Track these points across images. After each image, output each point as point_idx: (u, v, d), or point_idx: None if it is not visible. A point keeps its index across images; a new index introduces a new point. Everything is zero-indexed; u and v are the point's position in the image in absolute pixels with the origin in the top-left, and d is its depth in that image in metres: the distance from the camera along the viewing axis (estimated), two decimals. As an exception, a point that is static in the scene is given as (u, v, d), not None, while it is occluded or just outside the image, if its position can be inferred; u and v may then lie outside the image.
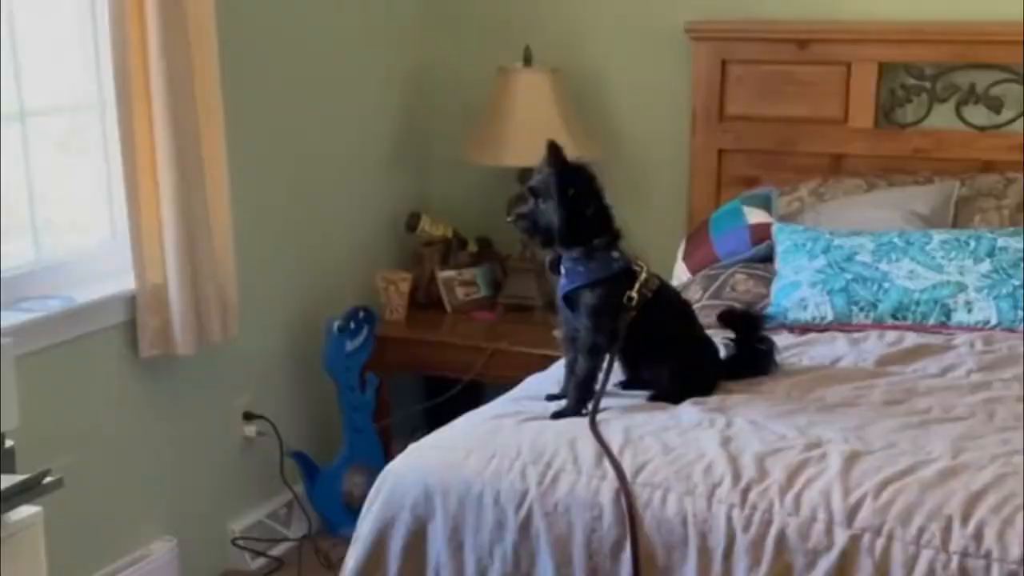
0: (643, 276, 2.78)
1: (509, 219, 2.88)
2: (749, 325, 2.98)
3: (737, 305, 3.23)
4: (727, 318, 3.01)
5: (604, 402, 2.72)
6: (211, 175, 3.32)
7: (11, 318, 2.96)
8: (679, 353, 2.84)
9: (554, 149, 2.77)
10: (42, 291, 3.16)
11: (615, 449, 2.50)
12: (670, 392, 2.79)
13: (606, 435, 2.56)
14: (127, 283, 3.24)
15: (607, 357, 2.75)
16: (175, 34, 3.14)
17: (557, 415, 2.72)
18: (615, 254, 2.78)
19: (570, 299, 2.81)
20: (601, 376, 2.75)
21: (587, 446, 2.52)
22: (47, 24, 3.19)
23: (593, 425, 2.60)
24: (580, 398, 2.74)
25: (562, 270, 2.82)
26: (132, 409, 3.37)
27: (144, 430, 3.41)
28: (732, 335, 2.97)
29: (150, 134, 3.18)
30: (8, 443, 2.32)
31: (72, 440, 3.13)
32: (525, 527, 2.46)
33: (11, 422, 2.31)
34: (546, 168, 2.77)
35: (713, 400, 2.76)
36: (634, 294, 2.75)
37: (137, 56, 3.12)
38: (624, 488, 2.40)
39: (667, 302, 2.87)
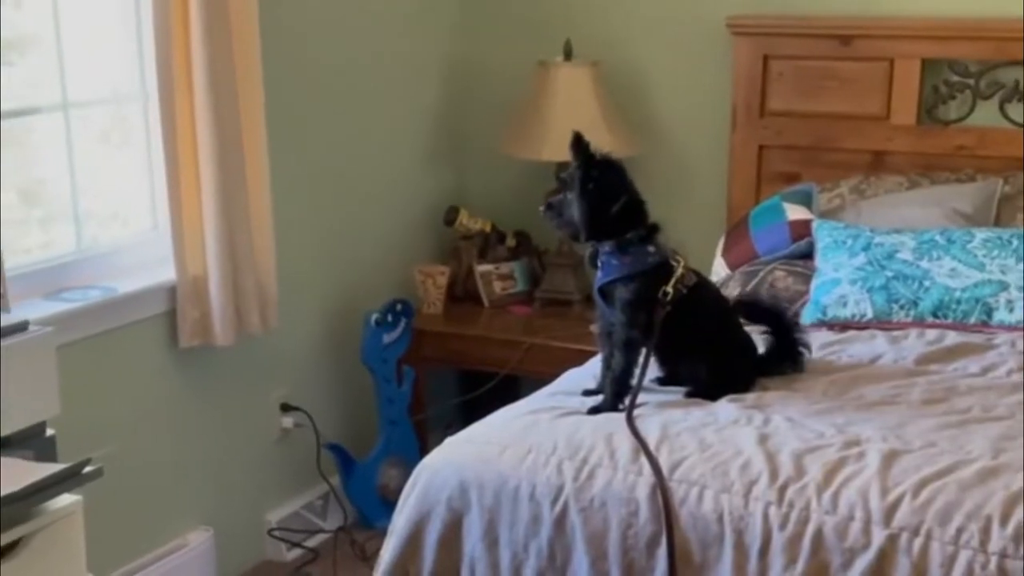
0: (679, 271, 2.77)
1: (542, 209, 2.88)
2: (772, 318, 2.95)
3: (764, 298, 3.20)
4: (749, 309, 2.99)
5: (641, 398, 2.72)
6: (252, 167, 3.33)
7: (53, 308, 2.99)
8: (716, 349, 2.83)
9: (578, 141, 2.77)
10: (84, 281, 3.18)
11: (651, 445, 2.50)
12: (707, 389, 2.79)
13: (643, 431, 2.55)
14: (168, 274, 3.26)
15: (643, 352, 2.75)
16: (217, 26, 3.15)
17: (594, 410, 2.72)
18: (651, 248, 2.77)
19: (605, 293, 2.81)
20: (637, 371, 2.75)
21: (623, 441, 2.52)
22: (91, 16, 3.21)
23: (630, 420, 2.60)
24: (616, 393, 2.74)
25: (599, 263, 2.82)
26: (171, 399, 3.39)
27: (183, 420, 3.43)
28: (767, 329, 2.96)
29: (192, 126, 3.19)
30: (49, 432, 2.34)
31: (112, 430, 3.16)
32: (561, 522, 2.46)
33: (52, 411, 2.32)
34: (574, 160, 2.77)
35: (750, 397, 2.76)
36: (669, 289, 2.75)
37: (180, 48, 3.13)
38: (661, 484, 2.40)
39: (705, 298, 2.86)
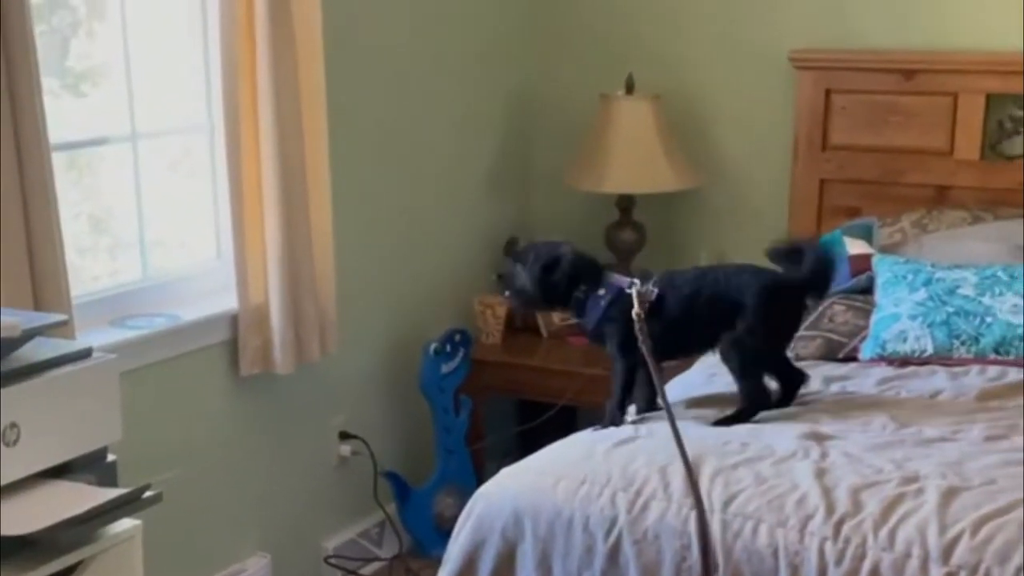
0: (635, 292, 2.91)
1: (494, 279, 3.24)
2: (794, 259, 2.97)
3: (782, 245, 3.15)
4: (774, 254, 3.02)
5: (696, 428, 2.76)
6: (314, 197, 3.37)
7: (118, 335, 3.03)
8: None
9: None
10: (149, 309, 3.23)
11: (707, 478, 2.49)
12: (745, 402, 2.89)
13: (697, 464, 2.55)
14: (230, 302, 3.30)
15: (651, 363, 2.87)
16: (283, 59, 3.20)
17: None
18: (600, 292, 2.97)
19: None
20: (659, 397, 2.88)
21: (677, 473, 2.52)
22: (161, 49, 3.28)
23: (681, 449, 2.59)
24: (618, 407, 2.94)
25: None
26: (231, 426, 3.43)
27: (242, 447, 3.47)
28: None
29: (256, 157, 3.24)
30: (111, 457, 2.37)
31: (172, 455, 3.20)
32: (614, 554, 2.46)
33: (114, 436, 2.36)
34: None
35: (808, 429, 2.74)
36: (637, 310, 2.88)
37: (246, 80, 3.18)
38: (700, 515, 2.40)
39: (678, 296, 2.95)
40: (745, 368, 2.91)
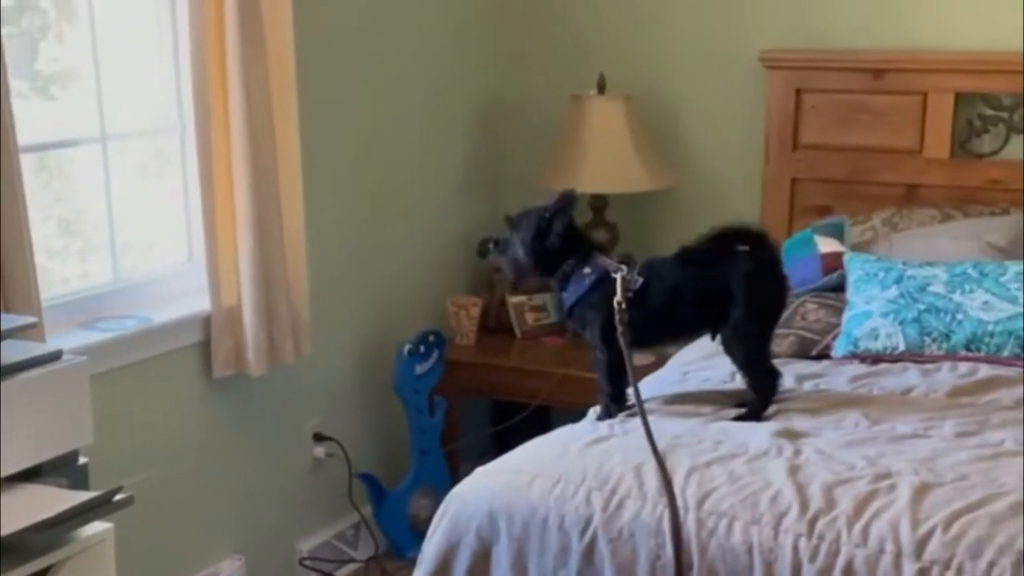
0: (619, 278, 2.87)
1: (490, 246, 3.13)
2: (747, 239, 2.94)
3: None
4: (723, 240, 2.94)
5: (671, 426, 2.75)
6: (286, 198, 3.36)
7: (89, 337, 3.02)
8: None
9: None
10: (120, 311, 3.21)
11: (681, 476, 2.50)
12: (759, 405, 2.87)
13: (672, 462, 2.55)
14: (202, 304, 3.29)
15: (626, 357, 2.84)
16: (254, 59, 3.19)
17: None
18: (586, 270, 2.93)
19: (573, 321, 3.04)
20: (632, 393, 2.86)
21: (652, 472, 2.52)
22: (130, 50, 3.26)
23: (654, 450, 2.59)
24: (610, 401, 2.92)
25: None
26: (204, 429, 3.41)
27: (215, 449, 3.46)
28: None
29: (227, 158, 3.23)
30: (82, 460, 2.36)
31: (145, 458, 3.18)
32: (589, 553, 2.46)
33: (85, 439, 2.34)
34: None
35: (781, 427, 2.75)
36: (619, 299, 2.85)
37: (216, 81, 3.17)
38: (673, 513, 2.40)
39: (662, 284, 2.92)
40: (751, 360, 2.90)
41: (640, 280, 2.90)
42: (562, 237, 2.94)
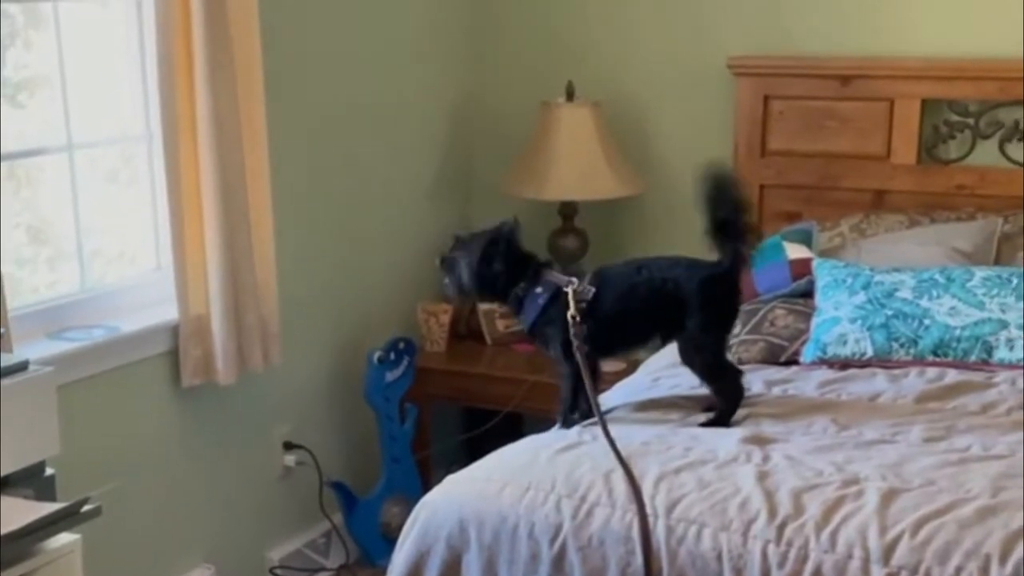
0: (570, 291, 2.88)
1: (437, 262, 3.12)
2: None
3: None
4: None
5: (640, 432, 2.75)
6: (255, 206, 3.35)
7: (56, 347, 3.00)
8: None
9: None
10: (88, 321, 3.20)
11: (650, 483, 2.50)
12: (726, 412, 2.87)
13: (641, 469, 2.56)
14: (171, 313, 3.28)
15: (583, 369, 2.85)
16: (221, 67, 3.18)
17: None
18: (538, 290, 2.93)
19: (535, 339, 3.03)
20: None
21: (621, 479, 2.52)
22: (97, 59, 3.24)
23: (620, 461, 2.59)
24: (568, 410, 2.93)
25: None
26: (173, 438, 3.40)
27: (185, 459, 3.44)
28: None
29: (196, 166, 3.22)
30: (49, 471, 2.35)
31: (113, 468, 3.16)
32: (559, 560, 2.46)
33: (52, 450, 2.34)
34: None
35: (750, 433, 2.76)
36: (573, 312, 2.86)
37: (184, 89, 3.16)
38: (642, 521, 2.41)
39: (614, 293, 2.93)
40: (710, 368, 2.90)
41: (592, 290, 2.91)
42: (506, 261, 2.95)
